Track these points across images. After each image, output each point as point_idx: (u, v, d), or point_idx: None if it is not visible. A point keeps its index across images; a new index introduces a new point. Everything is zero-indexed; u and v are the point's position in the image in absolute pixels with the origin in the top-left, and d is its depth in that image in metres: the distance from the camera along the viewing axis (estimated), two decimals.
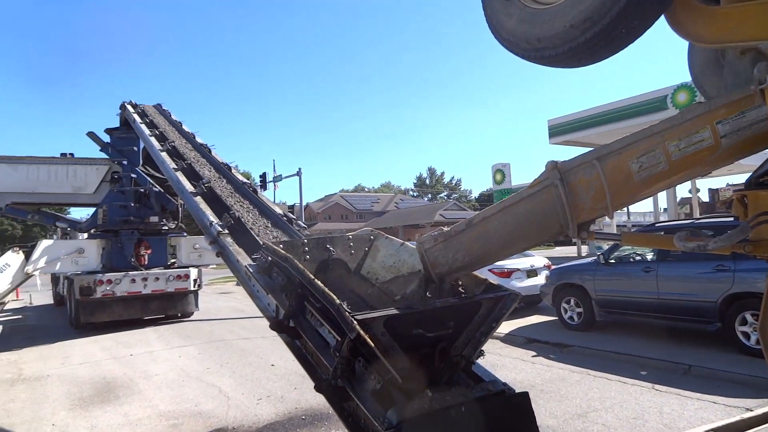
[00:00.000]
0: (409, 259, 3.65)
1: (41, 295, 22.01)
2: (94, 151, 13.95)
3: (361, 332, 2.45)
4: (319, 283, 2.94)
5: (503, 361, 7.49)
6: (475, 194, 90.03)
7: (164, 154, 8.04)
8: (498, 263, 10.60)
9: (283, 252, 3.49)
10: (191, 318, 13.51)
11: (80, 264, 12.02)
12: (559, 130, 22.39)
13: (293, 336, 3.44)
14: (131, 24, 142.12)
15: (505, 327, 9.51)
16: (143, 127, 10.34)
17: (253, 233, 5.01)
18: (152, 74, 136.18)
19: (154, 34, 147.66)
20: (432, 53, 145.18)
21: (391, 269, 3.75)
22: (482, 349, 3.13)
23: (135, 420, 5.72)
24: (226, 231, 5.00)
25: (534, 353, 7.88)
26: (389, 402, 2.69)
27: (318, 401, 5.34)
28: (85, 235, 13.97)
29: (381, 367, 2.64)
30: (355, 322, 2.47)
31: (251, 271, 4.07)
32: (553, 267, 11.00)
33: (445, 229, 2.92)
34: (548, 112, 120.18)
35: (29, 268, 11.22)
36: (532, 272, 11.25)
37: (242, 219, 5.33)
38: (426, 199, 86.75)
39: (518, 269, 11.06)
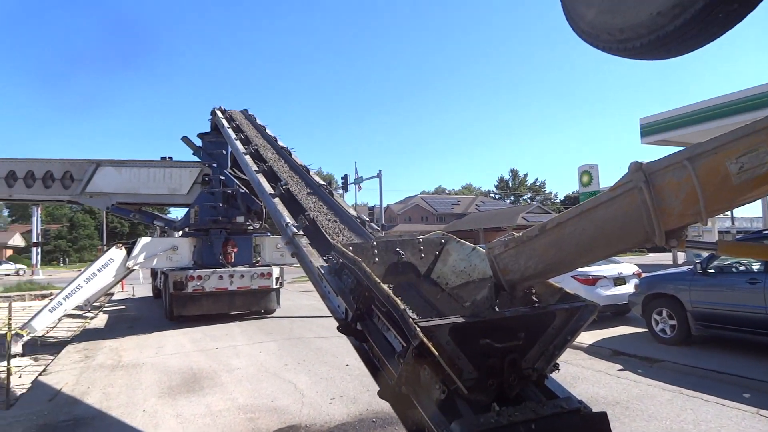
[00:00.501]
0: (480, 265, 3.52)
1: (143, 287, 23.79)
2: (188, 154, 14.88)
3: (425, 339, 2.38)
4: (384, 286, 2.90)
5: (585, 374, 7.08)
6: (560, 197, 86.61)
7: (247, 157, 8.38)
8: (582, 270, 10.06)
9: (352, 254, 3.49)
10: (273, 315, 14.00)
11: (174, 260, 12.83)
12: (652, 129, 20.94)
13: (360, 339, 3.43)
14: (222, 31, 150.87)
15: (589, 337, 8.99)
16: (230, 131, 10.86)
17: (326, 234, 5.08)
18: (242, 80, 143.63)
19: (242, 41, 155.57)
20: (514, 51, 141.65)
21: (462, 274, 3.64)
22: (557, 362, 2.95)
23: (216, 411, 5.99)
24: (301, 232, 5.09)
25: (620, 367, 7.38)
26: (454, 413, 2.59)
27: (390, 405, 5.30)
28: (179, 234, 14.92)
29: (446, 376, 2.55)
30: (418, 328, 2.39)
31: (323, 272, 4.10)
32: (643, 275, 10.28)
33: (516, 234, 2.77)
34: (641, 110, 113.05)
35: (130, 263, 12.13)
36: (619, 280, 10.58)
37: (317, 220, 5.42)
38: (508, 201, 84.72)
39: (604, 277, 10.43)
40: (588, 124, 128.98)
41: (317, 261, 4.54)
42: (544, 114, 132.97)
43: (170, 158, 14.98)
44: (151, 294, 20.65)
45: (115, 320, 14.57)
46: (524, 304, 2.95)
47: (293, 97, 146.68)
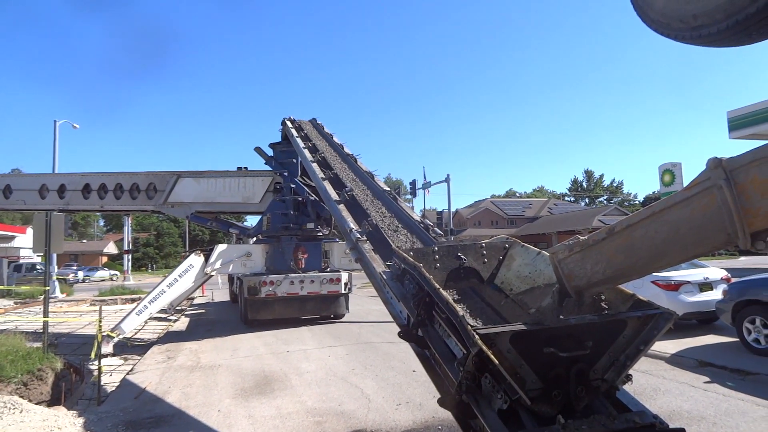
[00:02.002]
0: (545, 270, 3.39)
1: (222, 292, 24.91)
2: (262, 164, 15.44)
3: (484, 347, 2.31)
4: (443, 293, 2.86)
5: (668, 386, 6.63)
6: (640, 198, 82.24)
7: (315, 165, 8.58)
8: (663, 274, 9.48)
9: (412, 260, 3.46)
10: (342, 320, 14.20)
11: (248, 266, 13.34)
12: (741, 123, 19.37)
13: (421, 345, 3.40)
14: (291, 40, 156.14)
15: (672, 346, 8.42)
16: (299, 140, 11.17)
17: (389, 240, 5.09)
18: (312, 89, 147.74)
19: (309, 49, 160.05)
20: (587, 47, 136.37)
21: (527, 280, 3.52)
22: (629, 373, 2.77)
23: (285, 413, 6.13)
24: (365, 238, 5.13)
25: (707, 379, 6.85)
26: (517, 425, 2.50)
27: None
28: (253, 240, 15.50)
29: (508, 385, 2.47)
30: (477, 336, 2.34)
31: (385, 278, 4.12)
32: (733, 280, 9.50)
33: (582, 238, 2.63)
34: (728, 102, 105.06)
35: (208, 269, 12.75)
36: (705, 285, 9.83)
37: (380, 226, 5.44)
38: (583, 203, 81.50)
39: (688, 282, 9.73)
40: (669, 119, 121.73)
41: (380, 267, 4.56)
42: (620, 111, 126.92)
43: (245, 168, 15.61)
44: (228, 298, 21.59)
45: (196, 323, 15.33)
46: (592, 311, 2.81)
47: (362, 104, 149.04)
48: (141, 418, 6.21)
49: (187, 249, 55.59)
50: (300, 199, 14.25)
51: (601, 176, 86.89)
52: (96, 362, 7.65)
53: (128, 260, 44.83)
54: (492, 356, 2.31)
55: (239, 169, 15.55)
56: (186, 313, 17.98)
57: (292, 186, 14.32)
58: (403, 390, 6.92)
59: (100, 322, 7.76)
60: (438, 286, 2.91)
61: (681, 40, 2.22)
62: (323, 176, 7.85)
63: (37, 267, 33.56)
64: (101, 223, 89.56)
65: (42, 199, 15.34)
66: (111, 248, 73.01)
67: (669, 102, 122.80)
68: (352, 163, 8.98)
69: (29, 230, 40.22)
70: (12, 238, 41.16)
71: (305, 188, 14.45)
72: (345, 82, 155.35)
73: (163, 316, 16.38)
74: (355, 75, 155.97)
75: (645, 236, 2.39)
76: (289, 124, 13.35)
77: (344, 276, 13.58)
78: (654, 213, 2.35)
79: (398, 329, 3.73)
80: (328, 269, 14.16)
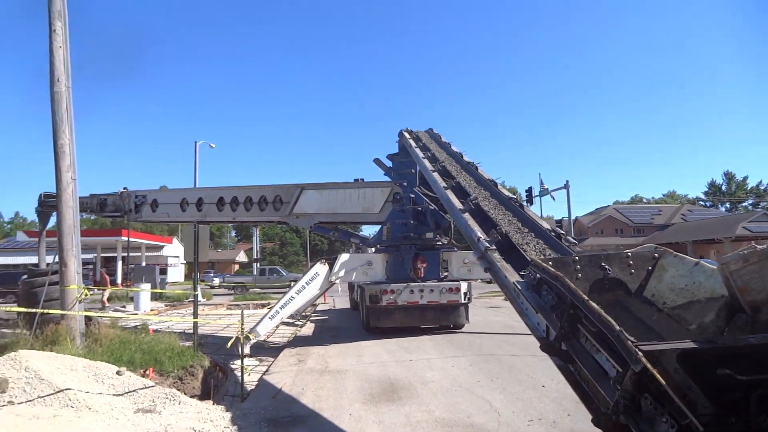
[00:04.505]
0: (706, 282, 3.08)
1: (341, 299, 25.89)
2: (380, 175, 15.89)
3: (648, 365, 2.15)
4: (594, 304, 2.71)
5: None
6: None
7: (435, 174, 8.62)
8: None
9: (553, 270, 3.34)
10: (462, 330, 14.03)
11: (369, 275, 13.73)
12: None
13: (565, 360, 3.25)
14: (405, 52, 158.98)
15: None
16: (417, 150, 11.32)
17: (520, 249, 4.94)
18: (423, 99, 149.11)
19: (421, 59, 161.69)
20: (717, 34, 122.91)
21: (683, 293, 3.23)
22: None
23: (414, 422, 6.17)
24: (494, 247, 5.04)
25: None
26: None
27: None
28: (372, 250, 15.92)
29: (675, 408, 2.26)
30: (640, 353, 2.18)
31: (519, 288, 4.00)
32: None
33: (759, 246, 2.35)
34: None
35: (332, 278, 13.32)
36: None
37: (509, 234, 5.31)
38: (723, 209, 73.38)
39: None
40: None
41: (512, 276, 4.44)
42: (764, 103, 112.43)
43: (362, 179, 16.12)
44: (348, 306, 22.36)
45: (320, 329, 16.06)
46: None
47: (475, 111, 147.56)
48: (279, 416, 6.60)
49: (308, 258, 58.53)
50: (419, 208, 14.35)
51: (745, 178, 77.86)
52: (238, 362, 8.30)
53: (257, 268, 48.26)
54: (658, 375, 2.13)
55: (356, 180, 16.08)
56: (311, 319, 18.91)
57: (411, 196, 14.46)
58: (534, 405, 6.66)
59: (242, 325, 8.41)
60: (587, 298, 2.77)
61: None
62: (445, 186, 7.86)
63: (281, 272, 40.17)
64: (233, 233, 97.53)
65: (183, 212, 16.95)
66: (242, 257, 79.16)
67: None
68: (473, 171, 8.88)
69: (175, 240, 45.04)
70: (161, 247, 46.33)
71: (424, 198, 14.56)
72: (458, 88, 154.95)
73: (291, 321, 17.38)
74: (468, 81, 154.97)
75: None
76: (406, 135, 13.59)
77: (464, 286, 13.45)
78: None
79: (522, 341, 3.63)
80: (447, 278, 14.11)
